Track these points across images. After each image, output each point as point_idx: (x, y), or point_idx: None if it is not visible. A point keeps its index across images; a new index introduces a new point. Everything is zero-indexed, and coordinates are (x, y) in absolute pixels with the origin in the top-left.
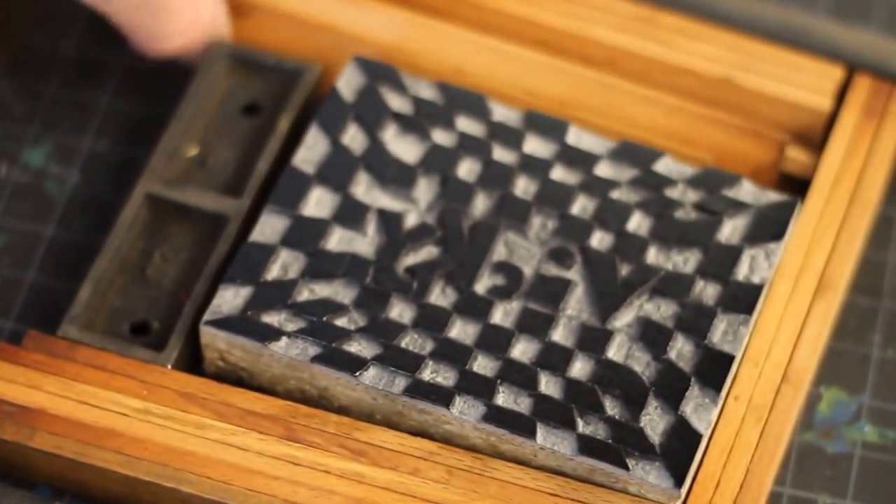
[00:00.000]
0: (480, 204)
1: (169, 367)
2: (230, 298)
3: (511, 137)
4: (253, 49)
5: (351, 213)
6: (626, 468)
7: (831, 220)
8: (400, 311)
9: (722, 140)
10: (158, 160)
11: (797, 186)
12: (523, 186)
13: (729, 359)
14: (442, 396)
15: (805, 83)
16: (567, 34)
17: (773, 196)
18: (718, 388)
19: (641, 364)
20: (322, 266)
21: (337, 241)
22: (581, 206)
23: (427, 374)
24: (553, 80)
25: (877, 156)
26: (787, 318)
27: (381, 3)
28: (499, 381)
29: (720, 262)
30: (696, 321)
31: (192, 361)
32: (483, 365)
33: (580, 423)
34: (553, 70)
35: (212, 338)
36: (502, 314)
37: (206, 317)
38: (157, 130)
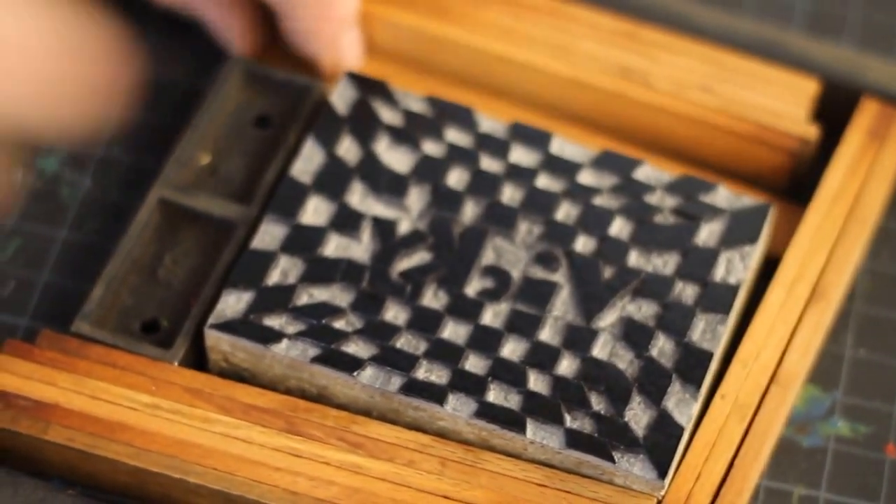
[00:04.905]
0: (469, 211)
1: (176, 363)
2: (233, 303)
3: (497, 148)
4: (266, 65)
5: (347, 221)
6: (612, 461)
7: (828, 234)
8: (395, 313)
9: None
10: (172, 167)
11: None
12: (510, 194)
13: (708, 356)
14: (436, 394)
15: (779, 95)
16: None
17: (748, 201)
18: (698, 384)
19: (625, 362)
20: (320, 271)
21: (334, 247)
22: (565, 212)
23: (421, 373)
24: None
25: (877, 175)
26: (778, 325)
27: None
28: (490, 379)
29: (698, 265)
30: (676, 321)
31: (199, 359)
32: (474, 364)
33: (567, 419)
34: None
35: (216, 340)
36: (492, 315)
37: (211, 320)
38: (166, 139)
